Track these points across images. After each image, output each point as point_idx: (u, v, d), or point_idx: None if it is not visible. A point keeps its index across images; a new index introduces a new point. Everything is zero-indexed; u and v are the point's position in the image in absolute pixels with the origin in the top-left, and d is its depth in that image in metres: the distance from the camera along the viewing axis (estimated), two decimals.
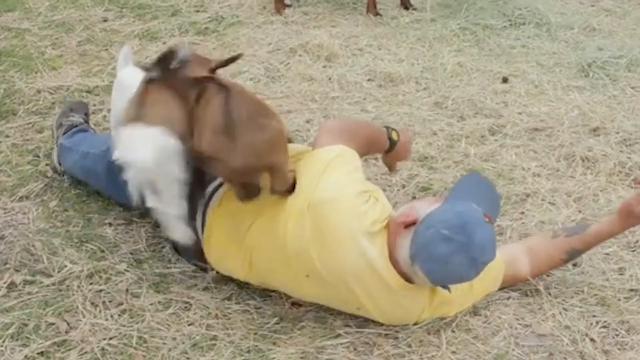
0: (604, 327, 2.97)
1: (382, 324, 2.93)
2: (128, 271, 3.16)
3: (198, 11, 5.83)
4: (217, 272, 3.12)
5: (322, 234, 2.79)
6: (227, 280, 3.11)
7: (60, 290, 3.08)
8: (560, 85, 4.82)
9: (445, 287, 2.82)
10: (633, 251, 3.37)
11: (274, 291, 3.09)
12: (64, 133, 3.78)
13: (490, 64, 5.08)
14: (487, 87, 4.76)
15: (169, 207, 2.74)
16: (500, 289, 3.10)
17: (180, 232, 2.83)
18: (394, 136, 3.24)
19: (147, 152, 2.59)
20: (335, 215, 2.80)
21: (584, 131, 4.28)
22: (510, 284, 3.10)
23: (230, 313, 2.97)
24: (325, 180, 2.84)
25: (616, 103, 4.61)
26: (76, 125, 3.81)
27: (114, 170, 2.97)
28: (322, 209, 2.81)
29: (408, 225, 2.78)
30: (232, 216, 3.02)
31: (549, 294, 3.09)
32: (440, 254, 2.66)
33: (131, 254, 3.30)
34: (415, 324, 2.92)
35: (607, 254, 3.33)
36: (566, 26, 5.68)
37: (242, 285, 3.10)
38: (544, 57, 5.23)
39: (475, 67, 5.02)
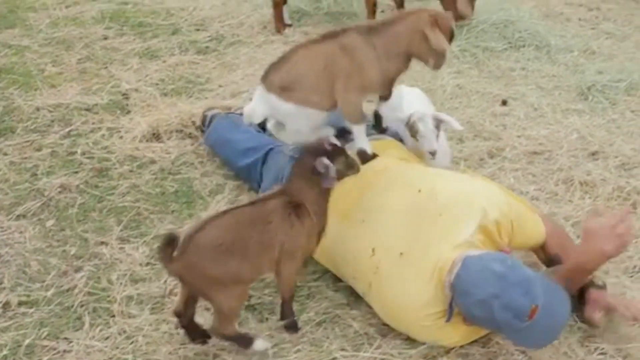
0: (602, 354, 2.96)
1: (378, 346, 2.94)
2: (124, 291, 3.15)
3: (198, 30, 5.83)
4: None
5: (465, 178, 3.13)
6: None
7: (56, 311, 3.07)
8: (560, 108, 4.80)
9: (451, 303, 2.80)
10: (631, 277, 3.35)
11: (271, 313, 3.08)
12: None
13: (490, 86, 5.07)
14: (486, 110, 4.75)
15: None
16: None
17: None
18: (599, 281, 3.07)
19: None
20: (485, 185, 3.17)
21: (582, 155, 4.26)
22: None
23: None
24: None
25: (615, 127, 4.59)
26: None
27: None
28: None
29: (500, 250, 2.92)
30: None
31: None
32: (488, 266, 2.71)
33: (127, 274, 3.29)
34: (414, 336, 2.94)
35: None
36: (566, 49, 5.66)
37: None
38: (544, 79, 5.22)
39: (475, 89, 5.01)
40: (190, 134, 4.31)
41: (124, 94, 4.78)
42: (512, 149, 4.29)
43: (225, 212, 2.84)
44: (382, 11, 6.10)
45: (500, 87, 5.08)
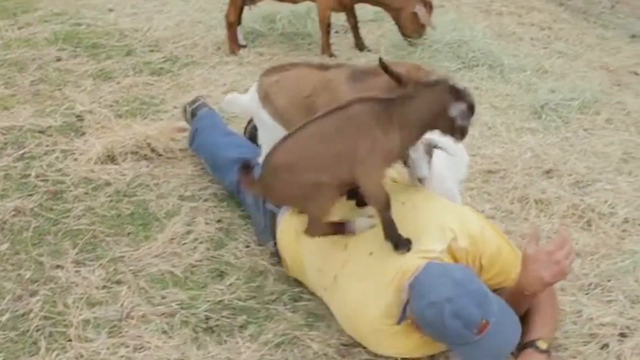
0: None
1: None
2: (80, 315, 3.12)
3: (152, 51, 5.81)
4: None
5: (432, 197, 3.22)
6: (182, 325, 3.09)
7: (11, 336, 3.04)
8: (514, 127, 4.84)
9: (404, 309, 2.79)
10: (587, 294, 3.37)
11: (229, 335, 3.07)
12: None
13: None
14: None
15: None
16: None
17: None
18: (542, 345, 2.95)
19: None
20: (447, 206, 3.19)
21: (537, 173, 4.30)
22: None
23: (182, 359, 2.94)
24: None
25: (569, 145, 4.64)
26: None
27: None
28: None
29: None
30: None
31: None
32: (449, 272, 2.73)
33: (83, 297, 3.25)
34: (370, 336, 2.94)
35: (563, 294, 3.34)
36: (519, 68, 5.71)
37: (198, 331, 3.08)
38: (497, 99, 5.25)
39: None
40: (145, 155, 4.28)
41: (78, 116, 4.73)
42: (468, 168, 4.30)
43: (301, 128, 2.94)
44: (336, 32, 6.14)
45: None
